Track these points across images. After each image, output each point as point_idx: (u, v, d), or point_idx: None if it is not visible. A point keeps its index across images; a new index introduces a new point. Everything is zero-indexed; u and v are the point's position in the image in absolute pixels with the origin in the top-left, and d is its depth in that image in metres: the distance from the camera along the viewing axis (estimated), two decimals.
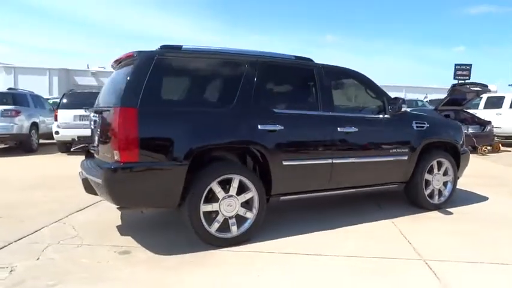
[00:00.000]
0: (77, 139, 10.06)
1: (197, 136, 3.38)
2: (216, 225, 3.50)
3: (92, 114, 3.82)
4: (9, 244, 3.63)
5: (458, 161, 5.07)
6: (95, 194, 3.68)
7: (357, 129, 4.18)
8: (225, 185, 3.53)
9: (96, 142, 3.77)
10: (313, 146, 4.00)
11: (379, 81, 4.92)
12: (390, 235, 3.97)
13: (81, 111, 10.06)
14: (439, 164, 4.90)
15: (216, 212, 3.51)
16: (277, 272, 3.08)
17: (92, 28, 70.04)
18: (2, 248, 3.53)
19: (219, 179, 3.47)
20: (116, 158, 3.17)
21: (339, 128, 4.08)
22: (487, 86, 10.83)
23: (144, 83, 3.24)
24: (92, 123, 3.92)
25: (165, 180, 3.30)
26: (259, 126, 3.63)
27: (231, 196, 3.54)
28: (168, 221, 4.37)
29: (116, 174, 3.15)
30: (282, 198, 3.88)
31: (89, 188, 3.65)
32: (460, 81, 18.98)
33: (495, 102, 13.06)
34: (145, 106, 3.20)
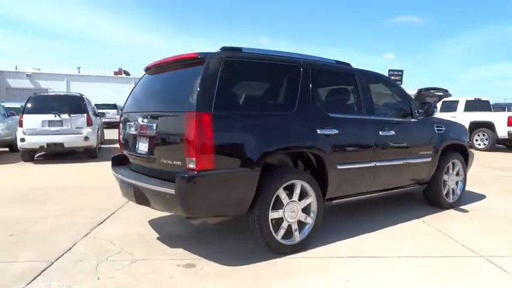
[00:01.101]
0: (46, 146, 9.27)
1: (268, 141, 3.29)
2: (282, 232, 3.43)
3: (140, 120, 3.53)
4: (51, 264, 3.27)
5: (467, 161, 5.42)
6: (148, 205, 3.44)
7: (394, 133, 4.32)
8: (288, 190, 3.47)
9: (145, 149, 3.51)
10: (361, 150, 4.07)
11: None
12: (432, 234, 4.12)
13: (51, 116, 9.35)
14: (453, 165, 5.21)
15: (281, 219, 3.43)
16: (363, 276, 3.07)
17: (16, 27, 64.55)
18: (48, 268, 3.18)
19: (285, 184, 3.40)
20: (190, 165, 2.98)
21: (380, 132, 4.19)
22: (447, 90, 11.67)
23: (216, 86, 3.09)
24: (134, 128, 3.64)
25: (239, 188, 3.18)
26: (318, 131, 3.62)
27: (294, 201, 3.49)
28: (207, 229, 4.18)
29: (192, 183, 2.96)
30: (334, 202, 3.89)
31: (142, 198, 3.39)
32: (425, 87, 20.23)
33: (449, 106, 14.08)
34: (219, 111, 3.06)
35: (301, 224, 3.57)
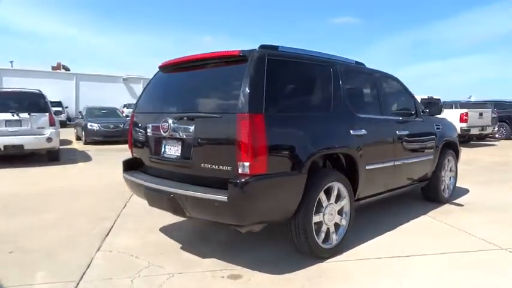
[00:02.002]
0: (2, 149, 8.37)
1: (314, 142, 3.20)
2: (322, 235, 3.35)
3: (171, 121, 3.24)
4: (77, 284, 2.92)
5: (457, 157, 5.69)
6: (183, 214, 3.19)
7: (408, 132, 4.41)
8: (326, 193, 3.39)
9: (177, 153, 3.25)
10: (385, 150, 4.10)
11: None
12: (447, 230, 4.25)
13: (8, 115, 8.47)
14: (448, 161, 5.44)
15: (320, 222, 3.35)
16: (412, 276, 3.08)
17: None
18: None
19: (325, 187, 3.32)
20: (242, 170, 2.79)
21: (397, 131, 4.25)
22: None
23: (264, 86, 2.93)
24: (159, 131, 3.35)
25: (289, 191, 3.05)
26: (351, 131, 3.58)
27: (331, 204, 3.43)
28: (224, 235, 3.98)
29: (247, 189, 2.77)
30: (361, 202, 3.88)
31: (179, 207, 3.13)
32: None
33: None
34: (269, 111, 2.90)
35: (336, 227, 3.52)
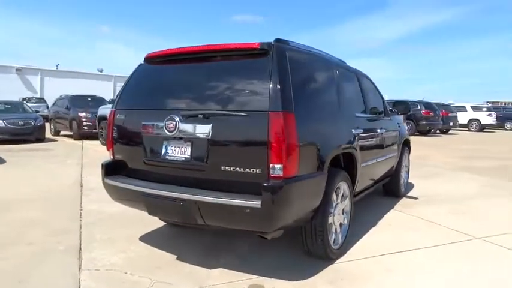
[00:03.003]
0: None
1: (332, 141, 3.12)
2: (333, 236, 3.29)
3: (178, 119, 2.85)
4: None
5: (409, 153, 6.10)
6: (193, 223, 2.86)
7: (385, 130, 4.57)
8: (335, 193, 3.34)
9: (186, 154, 2.89)
10: (372, 147, 4.17)
11: None
12: (420, 223, 4.49)
13: None
14: (404, 157, 5.80)
15: (331, 224, 3.28)
16: (423, 270, 3.17)
17: None
18: None
19: (336, 187, 3.26)
20: (274, 173, 2.58)
21: (378, 130, 4.38)
22: None
23: (290, 82, 2.74)
24: (161, 130, 2.94)
25: (315, 193, 2.92)
26: (352, 130, 3.57)
27: (338, 204, 3.38)
28: (212, 241, 3.71)
29: (282, 193, 2.57)
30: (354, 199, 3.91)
31: (192, 215, 2.79)
32: None
33: None
34: (298, 110, 2.73)
35: (340, 227, 3.49)
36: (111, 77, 38.76)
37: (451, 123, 20.68)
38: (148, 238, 3.80)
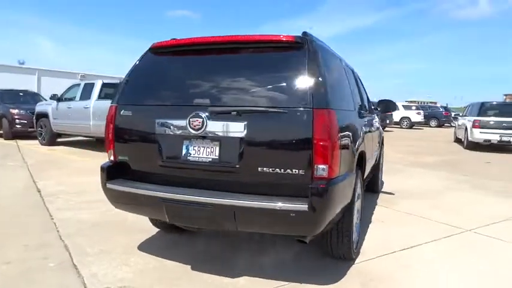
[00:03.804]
0: None
1: (357, 139, 3.03)
2: (353, 236, 3.22)
3: (204, 115, 2.58)
4: None
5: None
6: (221, 228, 2.62)
7: (377, 127, 4.64)
8: None
9: (214, 155, 2.63)
10: (372, 145, 4.19)
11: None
12: (409, 218, 4.62)
13: None
14: (382, 153, 5.96)
15: (355, 223, 3.21)
16: (441, 264, 3.23)
17: None
18: None
19: (357, 186, 3.20)
20: (319, 174, 2.43)
21: (373, 127, 4.42)
22: None
23: (326, 77, 2.61)
24: (194, 129, 2.64)
25: (348, 193, 2.82)
26: (363, 128, 3.55)
27: (355, 203, 3.33)
28: (209, 244, 3.48)
29: (328, 195, 2.43)
30: None
31: (220, 221, 2.55)
32: None
33: None
34: (336, 107, 2.61)
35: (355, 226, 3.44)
36: (35, 71, 35.58)
37: (388, 121, 21.94)
38: (147, 247, 3.45)
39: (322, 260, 3.24)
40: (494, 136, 12.01)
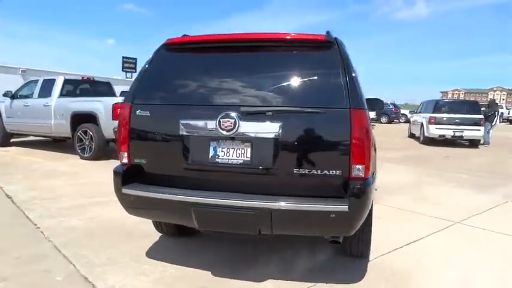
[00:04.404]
0: None
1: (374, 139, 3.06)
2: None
3: (235, 115, 2.46)
4: None
5: None
6: (253, 232, 2.53)
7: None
8: None
9: (245, 157, 2.53)
10: None
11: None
12: (401, 213, 4.77)
13: None
14: None
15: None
16: (455, 260, 3.36)
17: None
18: None
19: None
20: (356, 174, 2.42)
21: None
22: None
23: (357, 77, 2.61)
24: (225, 129, 2.51)
25: (374, 192, 2.82)
26: None
27: None
28: (220, 249, 3.40)
29: (366, 195, 2.43)
30: None
31: (254, 225, 2.47)
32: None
33: None
34: (366, 107, 2.61)
35: None
36: None
37: None
38: (157, 254, 3.27)
39: (338, 258, 3.26)
40: (448, 131, 12.79)
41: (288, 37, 2.65)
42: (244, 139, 2.54)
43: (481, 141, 13.38)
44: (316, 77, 2.59)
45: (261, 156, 2.53)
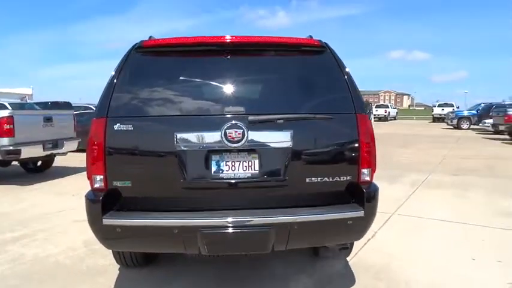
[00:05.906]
0: None
1: None
2: None
3: (243, 125, 2.21)
4: None
5: None
6: (266, 250, 2.33)
7: None
8: None
9: (254, 170, 2.31)
10: None
11: None
12: (398, 217, 4.91)
13: None
14: None
15: None
16: (450, 240, 3.62)
17: None
18: None
19: None
20: (364, 178, 2.41)
21: None
22: None
23: (354, 81, 2.62)
24: (232, 141, 2.25)
25: None
26: None
27: None
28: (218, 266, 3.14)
29: (376, 198, 2.44)
30: None
31: (270, 242, 2.28)
32: None
33: None
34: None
35: None
36: None
37: None
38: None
39: (313, 261, 3.28)
40: None
41: (284, 41, 2.53)
42: (251, 150, 2.33)
43: None
44: (319, 82, 2.52)
45: (270, 167, 2.35)
